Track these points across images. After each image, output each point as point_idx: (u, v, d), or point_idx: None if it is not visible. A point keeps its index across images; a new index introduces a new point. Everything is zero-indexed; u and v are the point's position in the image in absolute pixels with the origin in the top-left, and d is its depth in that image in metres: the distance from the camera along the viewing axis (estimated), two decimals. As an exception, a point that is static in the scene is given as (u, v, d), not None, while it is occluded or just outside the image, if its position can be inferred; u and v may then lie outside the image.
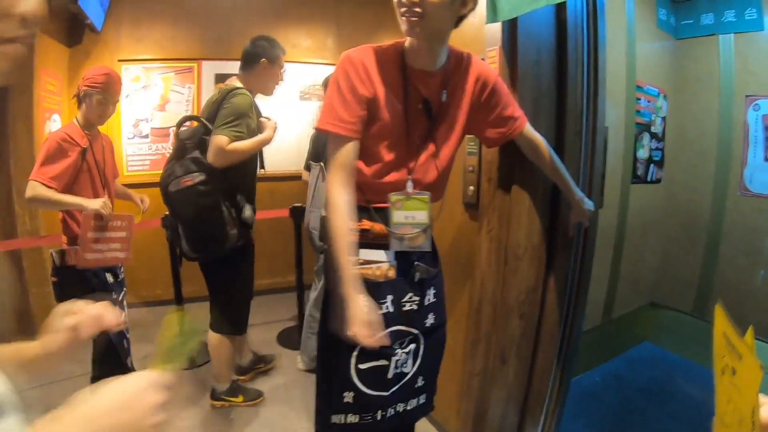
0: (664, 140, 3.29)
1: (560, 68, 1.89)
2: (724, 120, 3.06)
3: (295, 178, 4.32)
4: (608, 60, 2.04)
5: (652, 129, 3.19)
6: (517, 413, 2.21)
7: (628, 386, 2.96)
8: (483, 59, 1.79)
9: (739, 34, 3.00)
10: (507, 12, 1.68)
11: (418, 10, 1.25)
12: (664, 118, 3.26)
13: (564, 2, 1.79)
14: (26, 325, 3.26)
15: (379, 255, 1.47)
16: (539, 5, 1.55)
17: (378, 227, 1.47)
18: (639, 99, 3.04)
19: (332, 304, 1.46)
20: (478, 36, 1.90)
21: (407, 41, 1.40)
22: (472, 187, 2.01)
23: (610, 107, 2.41)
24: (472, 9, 1.36)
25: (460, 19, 1.37)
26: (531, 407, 2.22)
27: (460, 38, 1.54)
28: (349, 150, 1.36)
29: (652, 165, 3.22)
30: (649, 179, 3.22)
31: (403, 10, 1.28)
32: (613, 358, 3.26)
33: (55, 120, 3.40)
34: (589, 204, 1.79)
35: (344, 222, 1.32)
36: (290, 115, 4.30)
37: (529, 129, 1.62)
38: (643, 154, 3.15)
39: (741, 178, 3.04)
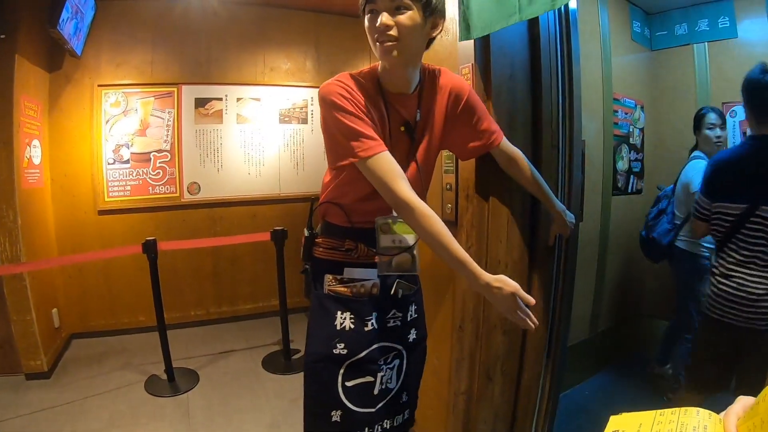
0: (643, 151, 3.32)
1: (534, 82, 1.90)
2: (702, 128, 3.09)
3: (277, 200, 4.32)
4: (584, 73, 2.06)
5: (631, 140, 3.22)
6: (505, 430, 2.19)
7: (619, 399, 2.94)
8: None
9: (714, 43, 3.06)
10: (479, 29, 1.69)
11: (392, 34, 1.25)
12: (642, 129, 3.30)
13: (536, 17, 1.81)
14: (8, 354, 3.20)
15: (363, 273, 1.49)
16: (511, 22, 1.56)
17: (362, 247, 1.49)
18: (616, 111, 3.07)
19: (318, 324, 1.48)
20: (452, 53, 1.91)
21: (380, 66, 1.40)
22: (450, 205, 2.00)
23: (587, 120, 2.44)
24: (440, 32, 1.37)
25: (430, 41, 1.38)
26: (520, 424, 2.19)
27: (434, 56, 1.55)
28: (393, 160, 1.30)
29: (632, 176, 3.24)
30: (629, 191, 3.24)
31: (377, 36, 1.27)
32: (601, 371, 3.25)
33: (35, 145, 3.37)
34: (570, 216, 1.79)
35: (443, 226, 1.29)
36: (270, 138, 4.31)
37: (506, 143, 1.62)
38: (622, 165, 3.18)
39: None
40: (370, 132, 1.29)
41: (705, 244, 2.80)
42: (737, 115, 2.98)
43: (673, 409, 0.59)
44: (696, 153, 2.79)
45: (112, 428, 2.67)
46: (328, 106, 1.32)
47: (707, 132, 2.72)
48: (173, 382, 3.17)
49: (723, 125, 2.72)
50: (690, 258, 2.83)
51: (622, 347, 3.31)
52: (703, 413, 0.57)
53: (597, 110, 2.95)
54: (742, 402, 0.57)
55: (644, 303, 3.37)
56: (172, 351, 3.20)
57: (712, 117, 2.70)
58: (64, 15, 3.09)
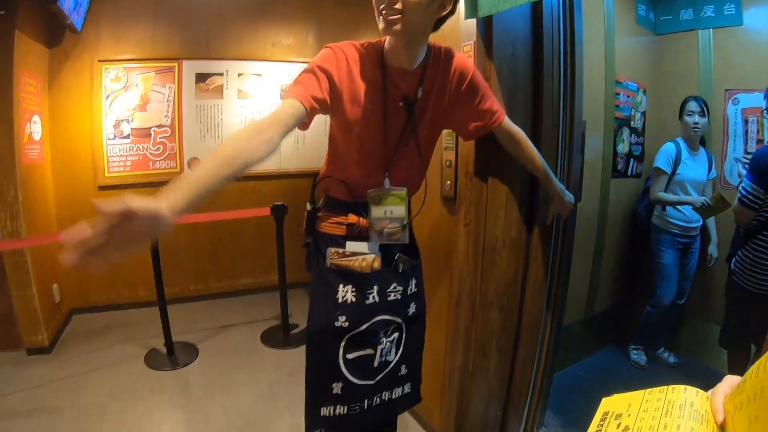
0: (644, 135, 3.32)
1: (536, 62, 1.90)
2: (704, 114, 3.09)
3: (276, 177, 4.33)
4: (587, 55, 2.05)
5: (632, 124, 3.21)
6: (499, 407, 2.22)
7: (613, 380, 2.98)
8: (458, 53, 1.80)
9: (718, 29, 3.04)
10: (486, 8, 1.69)
11: (397, 7, 1.25)
12: (643, 113, 3.29)
13: (539, -3, 1.81)
14: (9, 329, 3.23)
15: (365, 247, 1.51)
16: (520, 2, 1.56)
17: (363, 221, 1.52)
18: (618, 94, 3.07)
19: (320, 297, 1.52)
20: (454, 30, 1.90)
21: (386, 41, 1.40)
22: (449, 182, 2.02)
23: (588, 102, 2.43)
24: (452, 14, 1.37)
25: (439, 21, 1.38)
26: (514, 401, 2.23)
27: (436, 32, 1.55)
28: (290, 110, 1.24)
29: (632, 159, 3.24)
30: (629, 174, 3.25)
31: (381, 7, 1.27)
32: (597, 352, 3.28)
33: (35, 121, 3.36)
34: (569, 196, 1.81)
35: (229, 152, 1.07)
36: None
37: (507, 122, 1.62)
38: (623, 148, 3.18)
39: (721, 171, 3.08)
40: (307, 85, 1.30)
41: (674, 221, 2.97)
42: (739, 102, 2.98)
43: (661, 387, 0.61)
44: (678, 138, 2.97)
45: (113, 402, 2.70)
46: (314, 59, 1.37)
47: (686, 118, 2.91)
48: (173, 355, 3.20)
49: (702, 113, 2.88)
50: (657, 232, 3.06)
51: (618, 329, 3.34)
52: (691, 390, 0.58)
53: (599, 92, 2.94)
54: (729, 381, 0.59)
55: (641, 286, 3.39)
56: (172, 325, 3.23)
57: (692, 105, 2.89)
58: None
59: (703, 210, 2.82)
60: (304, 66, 1.38)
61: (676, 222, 2.97)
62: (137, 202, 0.79)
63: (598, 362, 3.21)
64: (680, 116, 2.95)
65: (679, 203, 2.92)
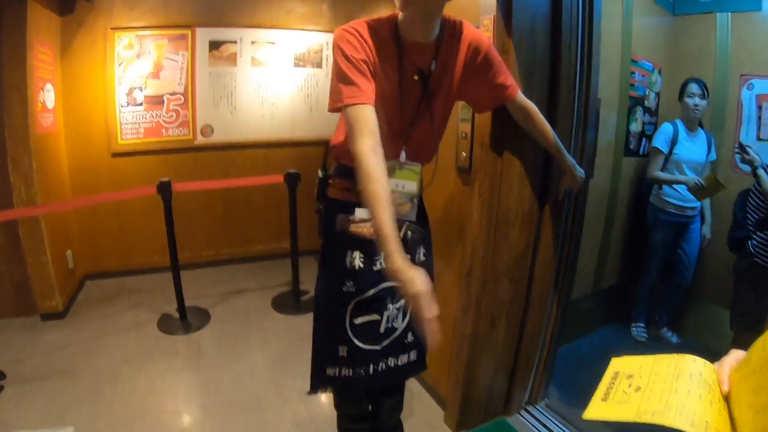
0: (657, 115, 3.31)
1: (554, 37, 1.90)
2: (718, 98, 3.08)
3: (290, 144, 4.35)
4: (604, 33, 2.05)
5: (646, 103, 3.21)
6: (506, 377, 2.28)
7: (618, 355, 3.02)
8: (478, 27, 1.81)
9: (737, 13, 3.01)
10: None
11: None
12: (658, 93, 3.28)
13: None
14: (24, 295, 3.30)
15: None
16: None
17: None
18: (633, 73, 3.06)
19: (329, 262, 1.54)
20: (473, 3, 1.90)
21: (400, 15, 1.40)
22: (464, 153, 2.04)
23: (603, 80, 2.43)
24: None
25: None
26: (520, 372, 2.29)
27: (455, 5, 1.55)
28: (372, 115, 1.30)
29: (644, 139, 3.25)
30: (641, 153, 3.25)
31: None
32: (603, 327, 3.33)
33: (48, 90, 3.38)
34: (580, 171, 1.83)
35: (384, 192, 1.21)
36: (285, 82, 4.29)
37: (520, 97, 1.63)
38: (636, 127, 3.18)
39: (733, 155, 3.08)
40: (362, 82, 1.30)
41: (670, 200, 3.03)
42: (754, 88, 2.96)
43: (671, 354, 0.64)
44: (677, 120, 3.01)
45: (126, 365, 2.78)
46: (335, 50, 1.35)
47: (687, 100, 2.94)
48: (185, 320, 3.27)
49: (702, 95, 2.91)
50: (653, 210, 3.13)
51: (623, 306, 3.38)
52: (699, 361, 0.61)
53: (614, 70, 2.93)
54: (735, 354, 0.61)
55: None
56: (184, 291, 3.29)
57: (693, 87, 2.92)
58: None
59: (697, 191, 2.86)
60: (319, 35, 1.38)
61: (672, 201, 3.02)
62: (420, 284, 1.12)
63: (602, 338, 3.25)
64: (680, 97, 2.98)
65: (673, 182, 2.97)
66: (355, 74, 1.30)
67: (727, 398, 0.57)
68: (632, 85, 3.06)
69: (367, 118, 1.28)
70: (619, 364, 0.68)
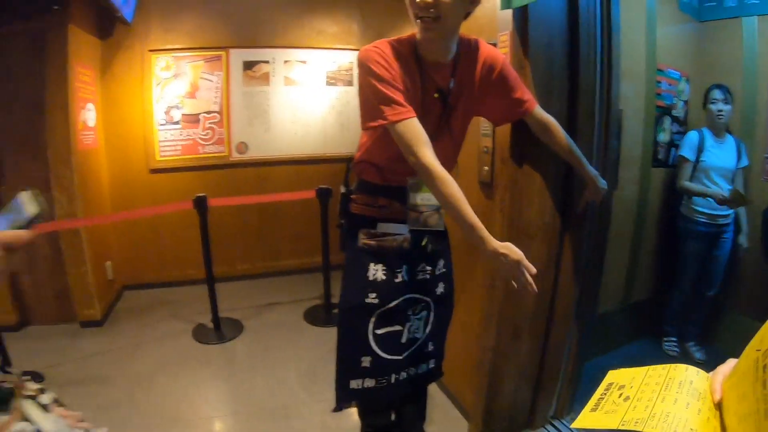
0: (686, 124, 3.25)
1: (572, 51, 1.92)
2: (747, 104, 3.01)
3: (322, 160, 4.43)
4: (628, 43, 2.05)
5: (674, 112, 3.16)
6: (530, 389, 2.27)
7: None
8: (495, 44, 1.85)
9: (763, 17, 2.95)
10: (518, 0, 1.73)
11: (434, 11, 1.32)
12: (686, 102, 3.23)
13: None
14: (64, 304, 3.46)
15: (395, 228, 1.59)
16: None
17: (395, 204, 1.59)
18: (660, 82, 3.02)
19: (352, 275, 1.60)
20: (491, 21, 1.94)
21: (418, 35, 1.45)
22: (486, 167, 2.07)
23: (628, 90, 2.42)
24: (478, 3, 1.43)
25: (467, 15, 1.44)
26: (544, 385, 2.28)
27: (473, 23, 1.60)
28: (420, 126, 1.38)
29: (672, 149, 3.19)
30: (670, 163, 3.20)
31: (418, 12, 1.34)
32: (632, 342, 3.27)
33: (90, 109, 3.56)
34: (603, 183, 1.82)
35: (458, 190, 1.35)
36: (317, 100, 4.40)
37: (538, 110, 1.67)
38: (664, 137, 3.14)
39: (764, 163, 3.00)
40: (401, 98, 1.37)
41: (699, 209, 2.95)
42: (785, 93, 2.90)
43: (664, 365, 0.64)
44: (703, 128, 2.96)
45: (160, 371, 2.89)
46: (364, 71, 1.41)
47: (710, 106, 2.89)
48: (219, 330, 3.37)
49: (726, 101, 2.85)
50: (683, 221, 3.06)
51: (654, 320, 3.31)
52: (692, 370, 0.61)
53: (639, 80, 2.90)
54: (731, 362, 0.60)
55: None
56: (219, 302, 3.39)
57: (715, 93, 2.86)
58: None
59: (723, 203, 2.80)
60: (349, 53, 1.45)
61: (702, 210, 2.94)
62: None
63: (633, 352, 3.18)
64: (704, 105, 2.93)
65: (700, 194, 2.90)
66: (393, 91, 1.37)
67: (719, 406, 0.57)
68: (659, 94, 3.02)
69: (419, 131, 1.36)
70: (614, 375, 0.69)
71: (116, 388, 2.71)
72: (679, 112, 3.20)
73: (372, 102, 1.39)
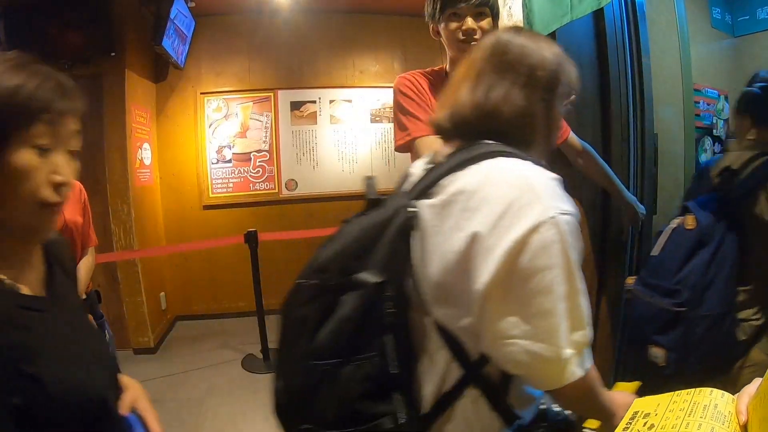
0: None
1: (602, 77, 1.95)
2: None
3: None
4: (662, 65, 2.04)
5: (714, 132, 3.10)
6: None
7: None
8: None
9: (800, 27, 2.89)
10: (540, 29, 1.77)
11: (477, 37, 1.40)
12: (726, 120, 3.17)
13: (602, 12, 1.86)
14: (119, 331, 3.59)
15: None
16: (564, 22, 1.64)
17: None
18: (698, 102, 2.97)
19: None
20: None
21: (448, 65, 1.53)
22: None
23: (665, 113, 2.41)
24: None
25: None
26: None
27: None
28: (439, 142, 1.42)
29: (716, 169, 3.13)
30: (714, 184, 3.13)
31: (462, 37, 1.41)
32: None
33: (146, 148, 3.81)
34: (641, 208, 1.82)
35: None
36: (362, 137, 4.52)
37: (572, 138, 1.69)
38: (705, 158, 3.07)
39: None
40: (424, 116, 1.43)
41: None
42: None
43: (689, 390, 0.64)
44: None
45: (210, 397, 2.98)
46: (395, 92, 1.53)
47: None
48: (268, 360, 3.43)
49: None
50: None
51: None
52: (716, 393, 0.61)
53: (677, 102, 2.87)
54: (757, 383, 0.60)
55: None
56: (269, 334, 3.45)
57: None
58: (167, 34, 3.48)
59: None
60: (390, 91, 1.54)
61: None
62: None
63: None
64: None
65: None
66: (420, 111, 1.45)
67: (745, 428, 0.56)
68: (698, 115, 2.98)
69: (436, 146, 1.39)
70: (639, 404, 0.69)
71: (165, 411, 2.78)
72: (719, 131, 3.13)
73: (400, 118, 1.48)
